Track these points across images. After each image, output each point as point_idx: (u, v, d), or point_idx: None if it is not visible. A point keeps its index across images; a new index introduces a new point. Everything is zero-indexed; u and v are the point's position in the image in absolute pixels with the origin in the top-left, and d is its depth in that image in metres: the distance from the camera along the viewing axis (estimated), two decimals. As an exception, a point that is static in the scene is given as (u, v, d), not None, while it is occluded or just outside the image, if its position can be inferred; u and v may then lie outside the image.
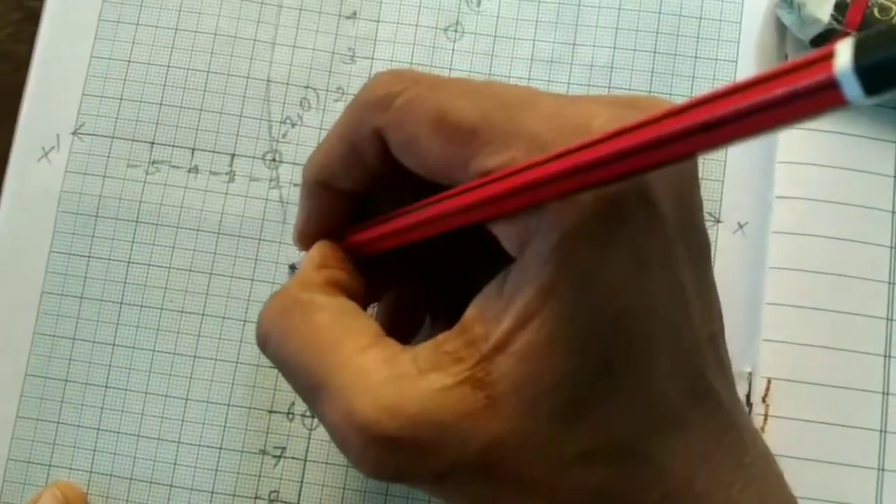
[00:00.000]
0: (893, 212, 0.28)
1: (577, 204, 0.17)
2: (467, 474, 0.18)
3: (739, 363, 0.27)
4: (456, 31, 0.30)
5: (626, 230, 0.17)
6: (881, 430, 0.27)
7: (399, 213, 0.21)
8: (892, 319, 0.28)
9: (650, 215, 0.17)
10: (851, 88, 0.12)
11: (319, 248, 0.22)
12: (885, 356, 0.27)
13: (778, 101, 0.13)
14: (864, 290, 0.28)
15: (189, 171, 0.29)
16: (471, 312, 0.19)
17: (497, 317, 0.18)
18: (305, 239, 0.23)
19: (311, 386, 0.19)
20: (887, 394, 0.27)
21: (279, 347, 0.20)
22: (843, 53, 0.12)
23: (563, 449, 0.18)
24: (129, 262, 0.29)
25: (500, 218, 0.18)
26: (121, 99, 0.30)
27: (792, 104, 0.13)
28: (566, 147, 0.16)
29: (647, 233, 0.17)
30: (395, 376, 0.18)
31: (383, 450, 0.18)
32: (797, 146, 0.29)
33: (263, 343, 0.21)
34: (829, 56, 0.12)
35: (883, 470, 0.27)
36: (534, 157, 0.17)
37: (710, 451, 0.18)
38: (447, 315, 0.20)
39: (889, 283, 0.28)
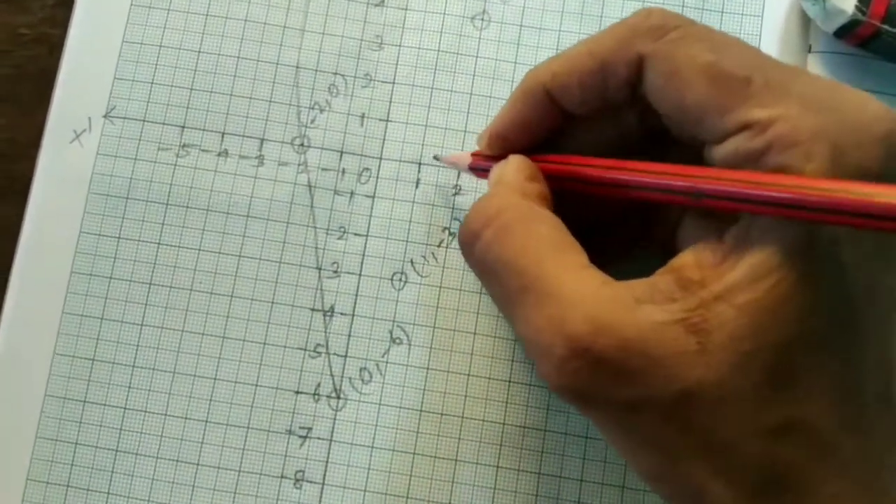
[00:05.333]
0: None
1: None
2: (658, 412, 0.17)
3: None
4: (483, 19, 0.30)
5: None
6: None
7: (606, 165, 0.20)
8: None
9: None
10: None
11: (525, 162, 0.22)
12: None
13: None
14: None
15: (219, 155, 0.30)
16: (685, 257, 0.19)
17: (718, 266, 0.18)
18: (497, 141, 0.22)
19: (519, 287, 0.19)
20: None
21: (492, 245, 0.20)
22: None
23: (762, 415, 0.17)
24: (158, 244, 0.29)
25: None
26: (152, 83, 0.30)
27: None
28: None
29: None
30: (612, 299, 0.18)
31: (586, 364, 0.17)
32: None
33: (473, 238, 0.20)
34: None
35: None
36: (804, 117, 0.17)
37: (889, 458, 0.18)
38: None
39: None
